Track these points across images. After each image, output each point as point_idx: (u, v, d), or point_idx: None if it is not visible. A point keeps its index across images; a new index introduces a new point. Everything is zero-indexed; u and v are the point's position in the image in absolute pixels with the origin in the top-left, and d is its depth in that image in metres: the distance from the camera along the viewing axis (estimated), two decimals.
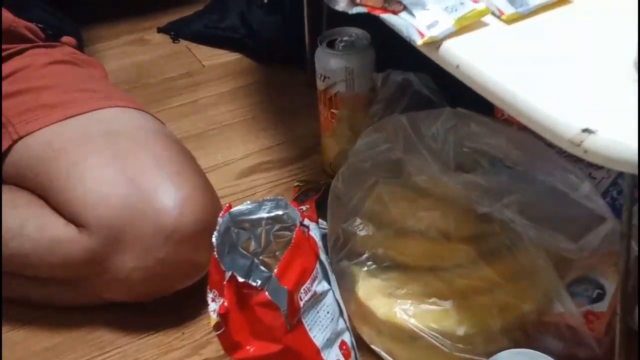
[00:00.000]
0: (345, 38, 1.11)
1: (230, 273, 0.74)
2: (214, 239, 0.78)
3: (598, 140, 0.59)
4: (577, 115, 0.61)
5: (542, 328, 0.85)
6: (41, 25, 1.17)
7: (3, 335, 1.00)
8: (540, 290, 0.85)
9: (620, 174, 0.89)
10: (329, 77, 1.10)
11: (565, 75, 0.67)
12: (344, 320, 0.86)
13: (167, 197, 0.92)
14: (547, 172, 0.88)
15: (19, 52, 1.12)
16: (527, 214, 0.87)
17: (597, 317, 0.85)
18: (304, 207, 0.94)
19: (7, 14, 1.12)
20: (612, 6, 0.74)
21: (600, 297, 0.86)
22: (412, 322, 0.87)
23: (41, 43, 1.15)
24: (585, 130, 0.59)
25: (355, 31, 1.11)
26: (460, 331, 0.86)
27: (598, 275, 0.88)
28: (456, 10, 0.73)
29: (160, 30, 1.62)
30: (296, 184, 1.20)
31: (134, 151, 0.97)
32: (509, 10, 0.74)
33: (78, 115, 1.02)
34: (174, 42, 1.60)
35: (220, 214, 0.82)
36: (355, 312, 0.91)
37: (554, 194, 0.88)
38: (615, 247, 0.82)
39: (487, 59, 0.70)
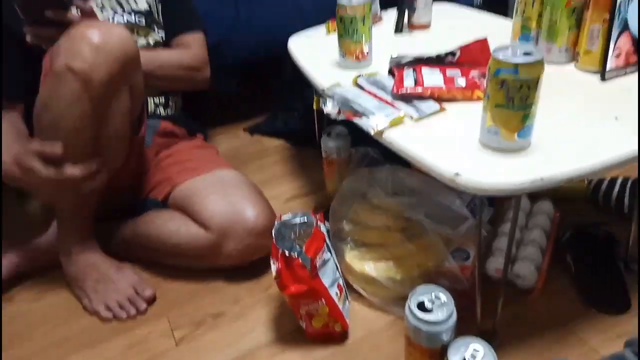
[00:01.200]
0: (336, 131, 1.10)
1: (281, 250, 0.74)
2: (273, 233, 0.79)
3: (463, 179, 0.60)
4: (452, 165, 0.62)
5: (439, 275, 0.84)
6: (186, 128, 1.17)
7: (163, 285, 0.98)
8: (437, 255, 0.84)
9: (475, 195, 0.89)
10: (328, 151, 1.10)
11: (445, 146, 0.67)
12: (339, 272, 0.85)
13: (250, 212, 0.91)
14: (439, 195, 0.88)
15: (175, 142, 1.13)
16: (430, 216, 0.86)
17: (466, 269, 0.85)
18: (318, 215, 0.94)
19: (169, 124, 1.13)
20: (468, 112, 0.74)
21: (467, 258, 0.86)
22: (373, 273, 0.86)
23: (185, 137, 1.16)
24: (456, 173, 0.60)
25: (341, 127, 1.10)
26: (397, 277, 0.85)
27: (466, 247, 0.87)
28: (390, 115, 0.74)
29: (244, 129, 1.62)
30: (313, 205, 1.20)
31: (232, 191, 0.96)
32: (416, 115, 0.74)
33: (205, 173, 1.02)
34: (251, 135, 1.59)
35: (276, 220, 0.82)
36: (344, 268, 0.90)
37: (442, 206, 0.88)
38: (473, 232, 0.82)
39: (406, 139, 0.70)
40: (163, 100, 1.15)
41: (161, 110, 1.15)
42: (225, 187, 0.98)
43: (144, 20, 1.08)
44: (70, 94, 0.76)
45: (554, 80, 0.79)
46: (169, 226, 0.96)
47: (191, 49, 1.11)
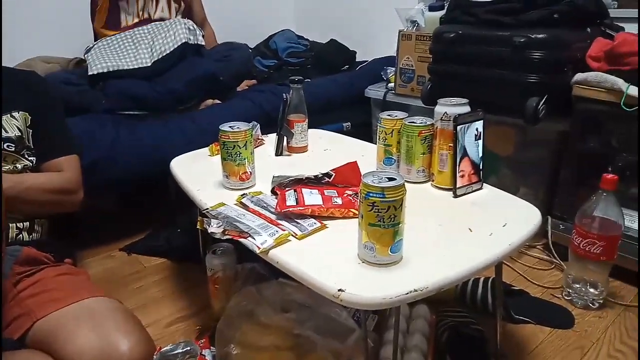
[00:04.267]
0: (221, 248, 1.09)
1: None
2: None
3: (347, 294, 0.62)
4: (336, 282, 0.64)
5: None
6: (52, 254, 1.06)
7: None
8: None
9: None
10: (213, 269, 1.07)
11: (327, 262, 0.70)
12: None
13: (123, 346, 0.81)
14: (327, 308, 0.89)
15: (40, 269, 1.01)
16: (318, 331, 0.86)
17: None
18: (202, 341, 0.88)
19: (33, 250, 1.01)
20: (346, 228, 0.78)
21: None
22: None
23: (51, 264, 1.05)
24: (340, 290, 0.62)
25: (226, 244, 1.08)
26: None
27: (355, 359, 0.87)
28: (274, 234, 0.76)
29: (120, 249, 1.52)
30: (197, 327, 1.13)
31: (103, 322, 0.86)
32: (299, 232, 0.77)
33: (72, 304, 0.91)
34: (128, 255, 1.50)
35: (155, 353, 0.75)
36: None
37: (330, 319, 0.89)
38: (361, 344, 0.83)
39: (290, 257, 0.72)
40: (27, 224, 1.04)
41: (25, 236, 1.04)
42: (95, 318, 0.88)
43: (13, 147, 1.01)
44: None
45: (416, 197, 0.89)
46: None
47: (63, 171, 1.06)
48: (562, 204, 1.36)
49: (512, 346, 1.06)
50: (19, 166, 1.02)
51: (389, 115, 1.00)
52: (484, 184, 0.95)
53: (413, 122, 0.94)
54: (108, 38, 1.70)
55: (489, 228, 0.79)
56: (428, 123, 0.94)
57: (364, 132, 1.87)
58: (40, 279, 0.99)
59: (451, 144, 0.89)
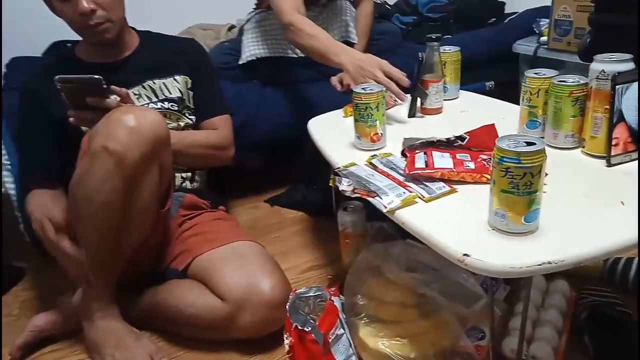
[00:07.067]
0: (351, 206, 1.13)
1: (295, 324, 0.74)
2: (287, 306, 0.79)
3: (472, 260, 0.61)
4: (461, 246, 0.63)
5: (454, 354, 0.82)
6: (209, 201, 1.22)
7: (179, 356, 0.99)
8: (452, 334, 0.83)
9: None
10: (344, 225, 1.12)
11: (454, 226, 0.68)
12: (352, 349, 0.84)
13: (265, 285, 0.92)
14: (454, 273, 0.88)
15: (199, 214, 1.17)
16: (443, 293, 0.86)
17: (481, 348, 0.83)
18: (332, 289, 0.94)
19: (194, 197, 1.17)
20: (477, 194, 0.75)
21: (482, 337, 0.84)
22: (387, 351, 0.84)
23: (208, 209, 1.20)
24: (465, 254, 0.61)
25: (357, 202, 1.11)
26: (412, 355, 0.83)
27: (481, 325, 0.85)
28: (401, 195, 0.76)
29: (265, 201, 1.66)
30: (328, 276, 1.21)
31: (249, 263, 0.98)
32: (426, 195, 0.76)
33: (223, 245, 1.04)
34: (271, 206, 1.63)
35: (291, 294, 0.83)
36: (358, 344, 0.88)
37: (456, 283, 0.87)
38: (488, 311, 0.81)
39: (416, 219, 0.72)
40: (190, 175, 1.20)
41: (187, 184, 1.20)
42: (243, 259, 1.00)
43: (176, 107, 1.16)
44: (105, 171, 0.82)
45: (562, 164, 0.81)
46: (187, 296, 0.98)
47: (218, 130, 1.19)
48: None
49: None
50: (182, 124, 1.17)
51: (535, 73, 0.91)
52: None
53: (564, 81, 0.85)
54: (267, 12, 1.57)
55: None
56: (581, 82, 0.83)
57: (509, 92, 1.72)
58: (199, 222, 1.14)
59: (607, 106, 0.79)
